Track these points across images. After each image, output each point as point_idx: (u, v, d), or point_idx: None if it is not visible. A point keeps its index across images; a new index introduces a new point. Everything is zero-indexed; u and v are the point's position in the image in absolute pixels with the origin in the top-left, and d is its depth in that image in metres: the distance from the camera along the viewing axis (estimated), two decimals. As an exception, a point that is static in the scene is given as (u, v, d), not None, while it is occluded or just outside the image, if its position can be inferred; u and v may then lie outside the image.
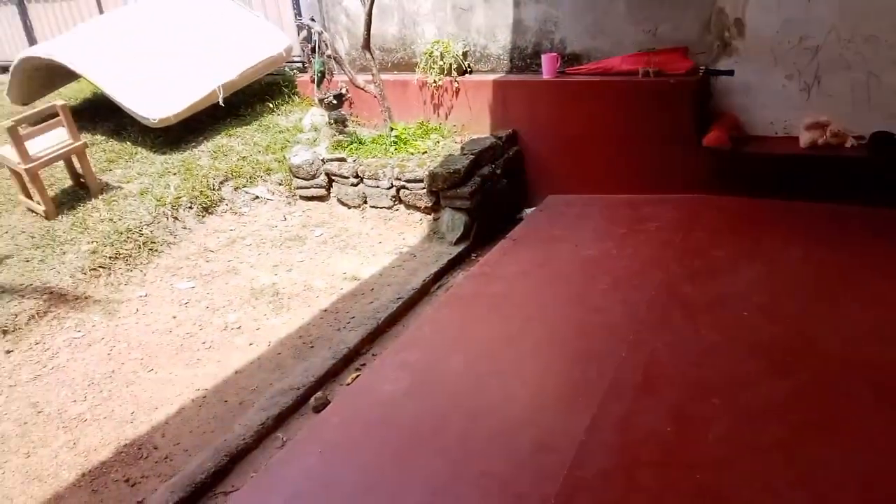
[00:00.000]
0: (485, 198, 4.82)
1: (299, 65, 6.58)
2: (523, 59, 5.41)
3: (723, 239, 3.56)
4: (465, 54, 5.55)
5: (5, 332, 3.81)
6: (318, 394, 3.27)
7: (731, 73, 4.53)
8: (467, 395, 2.82)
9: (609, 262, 3.60)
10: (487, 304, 3.54)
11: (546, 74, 5.10)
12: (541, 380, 2.84)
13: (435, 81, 5.53)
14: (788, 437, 2.16)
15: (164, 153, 5.65)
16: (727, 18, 4.46)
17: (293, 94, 6.46)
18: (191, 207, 5.06)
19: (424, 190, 4.88)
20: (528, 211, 5.05)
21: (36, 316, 3.95)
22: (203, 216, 5.09)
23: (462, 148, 5.10)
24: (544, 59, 5.09)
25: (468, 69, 5.60)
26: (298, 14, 6.35)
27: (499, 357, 3.10)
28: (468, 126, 5.56)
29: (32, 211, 4.92)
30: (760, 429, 2.21)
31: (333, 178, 5.33)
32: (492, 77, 5.44)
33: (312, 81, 5.93)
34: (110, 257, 4.45)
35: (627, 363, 2.69)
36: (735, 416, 2.27)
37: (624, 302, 3.16)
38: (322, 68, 5.78)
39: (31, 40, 8.04)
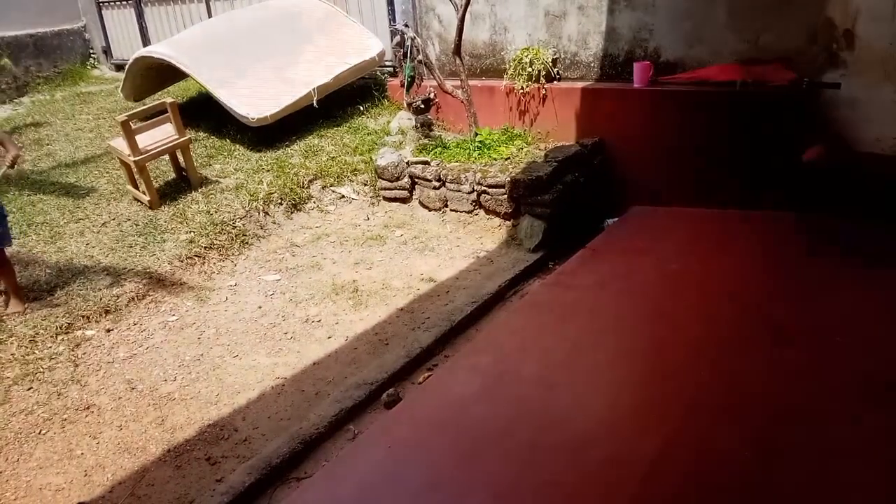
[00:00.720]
0: (566, 206, 4.77)
1: (390, 69, 6.74)
2: (614, 66, 5.32)
3: (818, 259, 3.36)
4: (554, 61, 5.51)
5: (107, 312, 4.10)
6: (391, 390, 3.33)
7: (837, 86, 4.27)
8: (537, 403, 2.80)
9: (693, 277, 3.47)
10: (562, 314, 3.49)
11: (637, 83, 5.00)
12: (614, 394, 2.77)
13: (522, 88, 5.52)
14: (877, 478, 2.01)
15: (259, 151, 5.92)
16: (836, 29, 4.22)
17: (383, 97, 6.62)
18: (281, 203, 5.27)
19: (505, 195, 4.87)
20: (611, 221, 4.95)
21: (135, 299, 4.23)
22: (291, 212, 5.30)
23: (546, 155, 5.07)
24: (636, 67, 4.98)
25: (557, 76, 5.56)
26: (393, 20, 6.51)
27: (572, 367, 3.05)
28: (553, 133, 5.52)
29: (138, 200, 5.27)
30: (848, 466, 2.07)
31: (416, 180, 5.42)
32: (581, 84, 5.38)
33: (402, 86, 6.06)
34: (205, 247, 4.71)
35: (707, 384, 2.58)
36: (821, 450, 2.13)
37: (707, 320, 3.04)
38: (412, 73, 5.90)
39: (145, 41, 8.62)
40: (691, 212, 4.35)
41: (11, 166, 4.10)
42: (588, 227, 4.91)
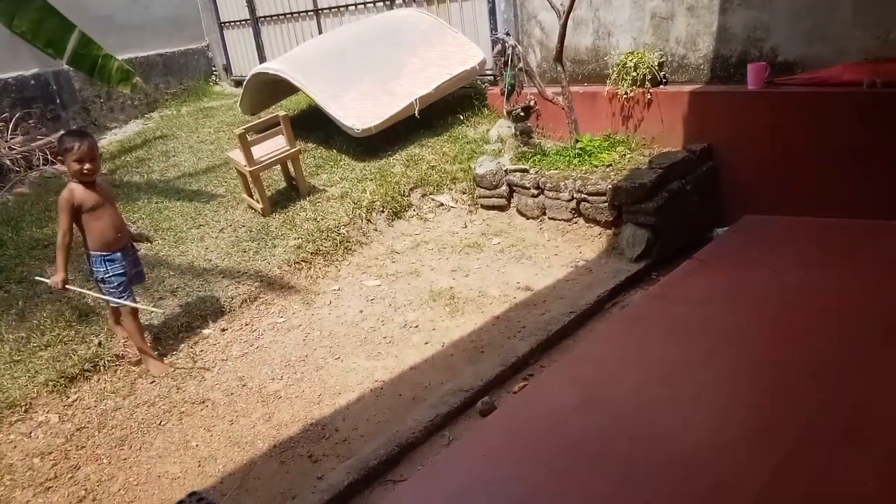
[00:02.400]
0: (671, 214, 4.58)
1: (491, 78, 6.77)
2: (726, 68, 5.07)
3: (962, 275, 3.03)
4: (660, 65, 5.33)
5: (222, 313, 4.37)
6: (486, 398, 3.32)
7: (985, 82, 3.86)
8: (639, 420, 2.69)
9: (814, 292, 3.22)
10: (667, 327, 3.34)
11: (752, 85, 4.73)
12: (723, 414, 2.62)
13: (626, 93, 5.38)
14: None
15: (363, 161, 6.12)
16: (984, 19, 3.81)
17: (483, 106, 6.66)
18: (383, 211, 5.42)
19: (606, 203, 4.76)
20: (720, 230, 4.70)
21: (248, 300, 4.48)
22: (392, 220, 5.43)
23: (650, 161, 4.90)
24: (750, 68, 4.72)
25: (663, 80, 5.37)
26: (494, 29, 6.53)
27: (676, 384, 2.92)
28: (658, 139, 5.33)
29: (252, 208, 5.59)
30: None
31: (515, 188, 5.40)
32: (688, 88, 5.16)
33: (502, 94, 6.06)
34: (312, 253, 4.92)
35: (828, 408, 2.39)
36: (964, 485, 1.92)
37: (830, 338, 2.81)
38: (513, 81, 5.89)
39: (262, 58, 9.15)
40: (811, 221, 4.05)
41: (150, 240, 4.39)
42: (695, 238, 4.70)
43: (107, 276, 3.75)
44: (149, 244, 4.23)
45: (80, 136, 3.60)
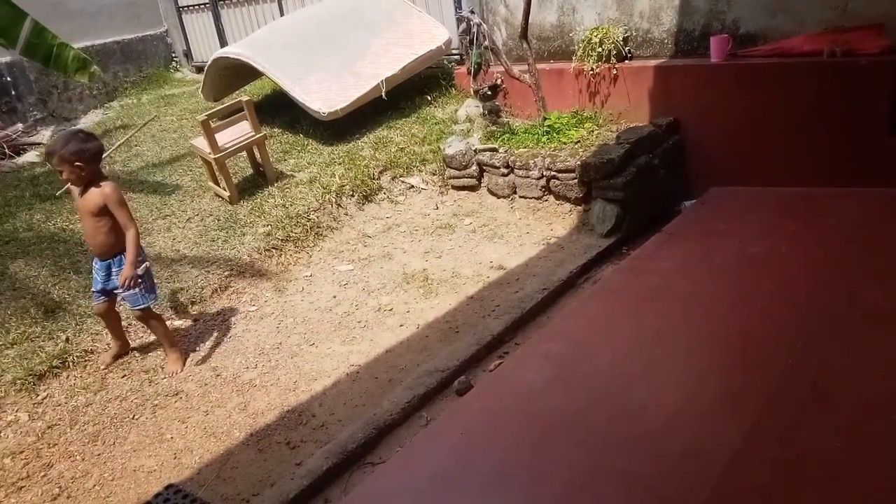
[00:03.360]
0: (639, 189, 4.63)
1: (457, 57, 6.72)
2: (689, 42, 5.11)
3: (920, 239, 3.12)
4: (625, 40, 5.35)
5: (193, 303, 4.31)
6: (462, 378, 3.34)
7: (939, 49, 3.95)
8: (612, 392, 2.73)
9: (778, 260, 3.29)
10: (638, 300, 3.39)
11: (715, 57, 4.78)
12: (693, 383, 2.67)
13: (592, 69, 5.38)
14: None
15: (331, 144, 6.04)
16: (937, -13, 3.89)
17: (450, 86, 6.61)
18: (352, 195, 5.37)
19: (575, 180, 4.78)
20: (688, 203, 4.77)
21: (219, 290, 4.42)
22: (363, 204, 5.39)
23: (617, 137, 4.93)
24: (713, 41, 4.76)
25: (628, 55, 5.39)
26: (459, 7, 6.48)
27: (648, 355, 2.97)
28: (625, 114, 5.36)
29: (219, 196, 5.50)
30: (955, 457, 1.92)
31: (485, 168, 5.39)
32: (653, 62, 5.19)
33: (469, 73, 6.03)
34: (282, 239, 4.86)
35: (794, 372, 2.45)
36: (923, 440, 1.99)
37: (794, 305, 2.88)
38: (479, 60, 5.86)
39: (223, 42, 8.95)
40: (776, 191, 4.13)
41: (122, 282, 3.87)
42: (664, 211, 4.76)
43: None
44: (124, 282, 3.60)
45: (55, 143, 3.49)
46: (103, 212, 3.52)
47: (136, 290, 3.61)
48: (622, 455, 2.37)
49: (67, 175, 3.47)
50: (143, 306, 3.66)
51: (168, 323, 4.12)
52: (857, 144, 4.23)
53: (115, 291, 3.70)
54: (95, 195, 3.51)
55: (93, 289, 3.77)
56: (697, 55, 5.05)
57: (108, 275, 3.68)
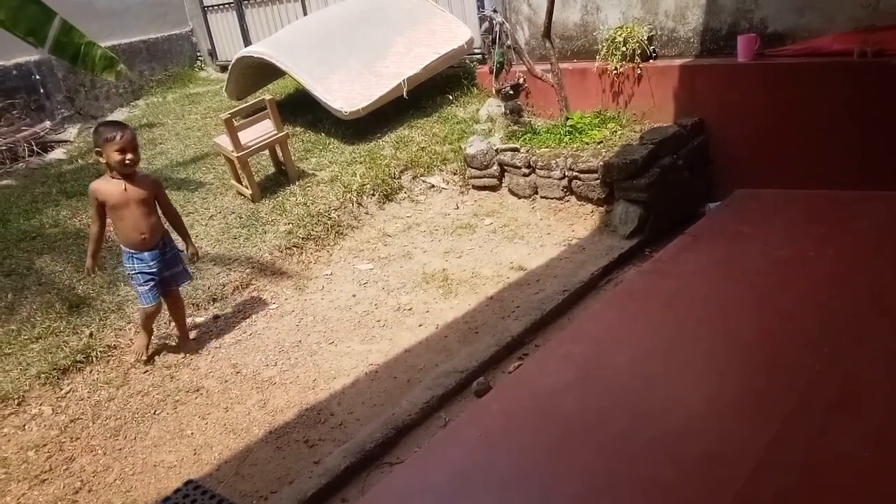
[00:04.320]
0: (663, 190, 4.57)
1: (479, 56, 6.70)
2: (716, 41, 5.03)
3: (953, 243, 3.04)
4: (650, 39, 5.29)
5: (215, 300, 4.34)
6: (481, 379, 3.32)
7: (975, 48, 3.84)
8: (633, 395, 2.70)
9: (805, 264, 3.23)
10: (660, 303, 3.34)
11: (742, 57, 4.70)
12: (716, 387, 2.63)
13: (616, 68, 5.33)
14: None
15: (352, 143, 6.06)
16: (974, -16, 3.78)
17: (472, 85, 6.59)
18: (373, 194, 5.38)
19: (598, 181, 4.73)
20: (712, 205, 4.69)
21: (240, 287, 4.45)
22: (383, 203, 5.39)
23: (641, 137, 4.87)
24: (740, 40, 4.69)
25: (653, 54, 5.33)
26: (481, 6, 6.46)
27: (670, 359, 2.92)
28: (649, 114, 5.30)
29: (241, 194, 5.54)
30: None
31: (506, 168, 5.37)
32: (678, 62, 5.12)
33: (491, 72, 6.01)
34: (303, 238, 4.88)
35: (821, 378, 2.39)
36: (956, 451, 1.93)
37: (821, 309, 2.81)
38: (501, 59, 5.83)
39: (246, 41, 9.03)
40: (802, 194, 4.04)
41: (193, 261, 4.07)
42: (687, 213, 4.69)
43: (133, 272, 3.68)
44: (195, 258, 4.03)
45: (120, 126, 3.48)
46: (152, 198, 3.65)
47: (181, 265, 3.85)
48: (641, 459, 2.33)
49: (136, 157, 3.53)
50: (188, 280, 3.95)
51: (190, 319, 4.17)
52: (887, 147, 4.13)
53: (174, 274, 3.81)
54: (146, 182, 3.64)
55: (143, 289, 3.67)
56: (724, 55, 4.97)
57: (174, 259, 3.79)
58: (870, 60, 4.09)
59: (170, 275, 3.79)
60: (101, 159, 3.55)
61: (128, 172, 3.52)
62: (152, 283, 3.68)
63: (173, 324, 3.98)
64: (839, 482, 1.91)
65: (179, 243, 4.01)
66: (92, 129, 3.60)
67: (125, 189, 3.53)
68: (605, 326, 3.32)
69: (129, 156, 3.45)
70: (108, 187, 3.54)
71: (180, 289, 3.96)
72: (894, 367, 2.31)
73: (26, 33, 4.69)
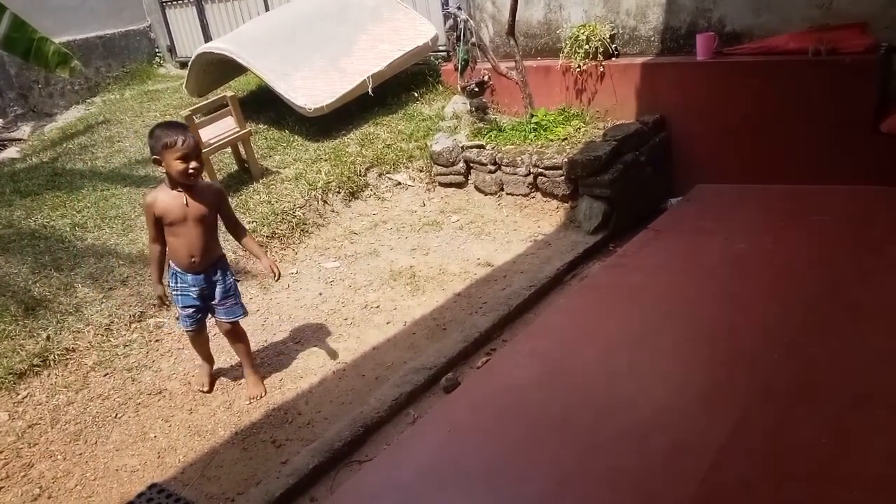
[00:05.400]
0: (626, 186, 4.64)
1: (444, 54, 6.70)
2: (675, 40, 5.12)
3: (903, 236, 3.15)
4: (612, 37, 5.35)
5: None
6: (449, 375, 3.33)
7: (921, 48, 3.99)
8: (599, 389, 2.74)
9: (764, 257, 3.31)
10: (624, 297, 3.39)
11: (701, 55, 4.80)
12: (680, 379, 2.68)
13: (579, 66, 5.39)
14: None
15: (317, 141, 6.00)
16: (920, -14, 3.93)
17: (437, 82, 6.59)
18: (339, 192, 5.34)
19: (563, 177, 4.78)
20: (674, 201, 4.79)
21: (203, 287, 4.36)
22: (349, 200, 5.35)
23: (604, 134, 4.94)
24: (699, 39, 4.78)
25: (615, 53, 5.40)
26: (446, 3, 6.45)
27: (634, 352, 2.97)
28: (612, 112, 5.37)
29: (203, 192, 5.43)
30: (940, 451, 1.93)
31: (472, 165, 5.38)
32: (640, 60, 5.20)
33: (456, 70, 6.01)
34: (267, 236, 4.81)
35: (780, 368, 2.46)
36: (907, 435, 2.00)
37: (780, 302, 2.89)
38: (466, 56, 5.84)
39: (207, 37, 8.85)
40: (761, 188, 4.15)
41: (276, 278, 3.37)
42: (650, 208, 4.78)
43: (174, 293, 3.27)
44: (274, 275, 3.32)
45: (181, 128, 2.98)
46: (214, 212, 3.16)
47: (234, 299, 3.32)
48: (608, 451, 2.37)
49: (201, 165, 3.03)
50: (241, 317, 3.37)
51: (151, 321, 4.07)
52: (841, 142, 4.26)
53: (226, 308, 3.32)
54: (209, 194, 3.13)
55: (182, 313, 3.31)
56: (684, 53, 5.06)
57: (212, 287, 3.26)
58: (823, 59, 4.22)
59: (219, 307, 3.30)
60: (159, 168, 3.06)
61: (192, 184, 3.02)
62: (192, 310, 3.29)
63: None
64: (799, 469, 1.96)
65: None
66: (148, 133, 3.00)
67: (186, 204, 3.02)
68: (570, 321, 3.36)
69: (192, 164, 2.94)
70: (167, 201, 3.02)
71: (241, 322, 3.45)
72: (851, 358, 2.39)
73: (-26, 28, 4.52)
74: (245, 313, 3.41)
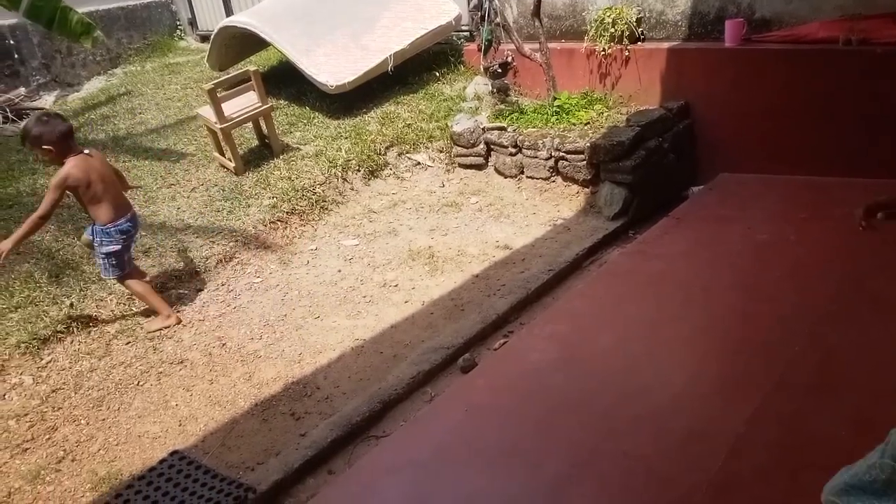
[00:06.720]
0: (648, 172, 4.60)
1: (467, 34, 6.65)
2: (704, 25, 5.05)
3: (929, 231, 3.12)
4: (638, 21, 5.28)
5: (197, 273, 4.30)
6: (466, 355, 3.36)
7: (957, 40, 3.91)
8: (616, 374, 2.76)
9: (786, 248, 3.30)
10: (643, 283, 3.40)
11: (729, 42, 4.73)
12: (698, 366, 2.70)
13: (604, 50, 5.33)
14: None
15: (337, 118, 6.00)
16: (959, -24, 3.84)
17: (459, 62, 6.55)
18: (359, 170, 5.35)
19: (584, 162, 4.76)
20: (696, 189, 4.76)
21: (223, 260, 4.42)
22: (369, 179, 5.36)
23: (627, 119, 4.90)
24: (728, 24, 4.71)
25: (641, 37, 5.33)
26: (470, -18, 6.38)
27: (652, 338, 2.99)
28: (636, 97, 5.32)
29: (224, 167, 5.47)
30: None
31: (492, 147, 5.36)
32: (666, 45, 5.14)
33: (479, 50, 5.97)
34: (287, 212, 4.84)
35: (800, 359, 2.47)
36: (928, 430, 2.00)
37: (801, 292, 2.89)
38: (489, 37, 5.79)
39: (228, 11, 8.82)
40: (785, 179, 4.13)
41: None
42: (672, 195, 4.75)
43: None
44: None
45: (25, 128, 3.60)
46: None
47: (103, 262, 3.79)
48: (625, 436, 2.39)
49: (42, 157, 3.68)
50: (109, 278, 3.89)
51: (173, 291, 4.13)
52: (870, 134, 4.20)
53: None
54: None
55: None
56: (711, 39, 4.99)
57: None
58: (854, 48, 4.14)
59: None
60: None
61: (54, 164, 3.69)
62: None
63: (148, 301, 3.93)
64: (816, 459, 1.98)
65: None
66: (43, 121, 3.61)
67: None
68: (589, 306, 3.38)
69: (39, 156, 3.78)
70: None
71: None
72: (871, 349, 2.39)
73: (-1, -5, 4.55)
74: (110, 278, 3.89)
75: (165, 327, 3.84)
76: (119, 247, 3.74)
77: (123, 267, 3.81)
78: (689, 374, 2.66)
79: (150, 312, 3.94)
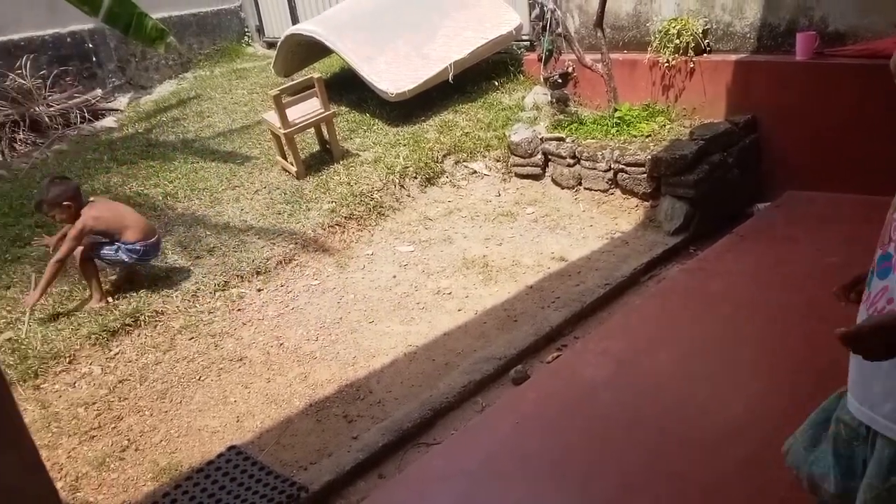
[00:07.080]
0: (711, 188, 4.50)
1: (527, 43, 6.64)
2: (773, 37, 4.91)
3: None
4: (704, 32, 5.18)
5: (258, 273, 4.43)
6: (519, 367, 3.35)
7: None
8: (671, 393, 2.71)
9: (857, 272, 3.16)
10: (703, 302, 3.33)
11: (800, 55, 4.58)
12: (758, 390, 2.62)
13: (668, 61, 5.24)
14: None
15: (396, 125, 6.09)
16: None
17: (518, 72, 6.55)
18: (415, 177, 5.41)
19: (644, 175, 4.68)
20: (762, 206, 4.61)
21: (283, 262, 4.54)
22: (425, 186, 5.42)
23: (691, 133, 4.80)
24: (799, 37, 4.56)
25: (707, 48, 5.22)
26: (532, -8, 6.38)
27: (711, 359, 2.92)
28: (700, 110, 5.21)
29: (286, 171, 5.62)
30: None
31: (550, 157, 5.34)
32: (734, 57, 5.02)
33: (539, 60, 5.96)
34: (345, 217, 4.94)
35: (869, 388, 2.36)
36: None
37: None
38: (551, 47, 5.77)
39: (294, 19, 9.06)
40: (856, 200, 3.96)
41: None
42: (735, 212, 4.62)
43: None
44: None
45: (40, 194, 4.10)
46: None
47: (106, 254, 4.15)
48: (678, 458, 2.34)
49: (61, 216, 4.01)
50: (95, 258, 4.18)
51: (235, 290, 4.27)
52: (949, 154, 4.00)
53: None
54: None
55: None
56: (781, 52, 4.84)
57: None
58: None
59: None
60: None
61: (70, 223, 4.01)
62: None
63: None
64: (886, 495, 1.89)
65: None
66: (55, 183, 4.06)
67: None
68: (645, 324, 3.32)
69: (57, 217, 4.04)
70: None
71: None
72: (948, 383, 2.27)
73: (81, 2, 4.80)
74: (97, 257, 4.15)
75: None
76: (128, 262, 4.14)
77: (111, 264, 4.21)
78: (749, 398, 2.59)
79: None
